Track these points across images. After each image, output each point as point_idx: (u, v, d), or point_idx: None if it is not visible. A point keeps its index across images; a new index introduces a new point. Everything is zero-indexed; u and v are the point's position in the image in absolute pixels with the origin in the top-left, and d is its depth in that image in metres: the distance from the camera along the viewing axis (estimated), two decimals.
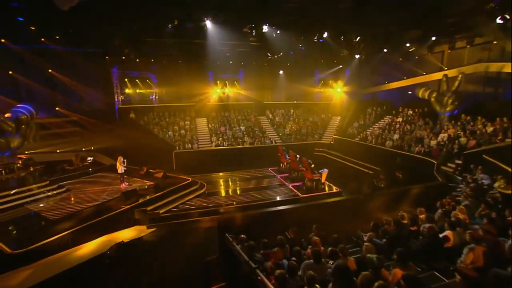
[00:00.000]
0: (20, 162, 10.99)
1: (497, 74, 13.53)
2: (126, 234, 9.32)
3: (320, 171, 12.79)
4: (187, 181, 12.45)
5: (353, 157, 15.68)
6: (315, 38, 13.95)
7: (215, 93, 23.02)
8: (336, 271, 3.77)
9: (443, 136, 12.41)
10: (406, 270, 3.74)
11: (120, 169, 11.74)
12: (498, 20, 10.67)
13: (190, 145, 17.93)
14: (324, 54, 19.46)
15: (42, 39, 15.79)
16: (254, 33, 13.05)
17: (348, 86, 23.24)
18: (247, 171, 15.75)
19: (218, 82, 23.18)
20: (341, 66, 22.52)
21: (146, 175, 13.50)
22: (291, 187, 13.01)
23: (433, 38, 14.06)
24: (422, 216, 6.72)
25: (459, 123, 12.74)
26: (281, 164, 15.54)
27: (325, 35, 13.71)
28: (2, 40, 15.43)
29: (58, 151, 15.58)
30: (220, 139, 18.86)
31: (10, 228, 8.65)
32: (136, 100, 20.96)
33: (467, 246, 4.17)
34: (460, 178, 9.66)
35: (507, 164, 8.79)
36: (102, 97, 19.87)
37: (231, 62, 22.05)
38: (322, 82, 24.67)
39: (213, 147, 18.30)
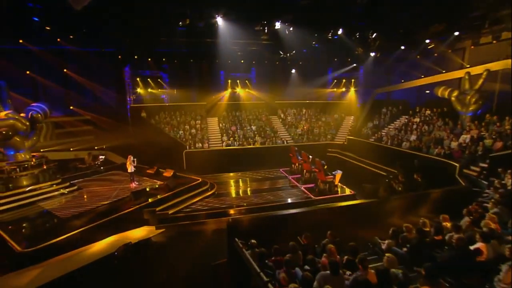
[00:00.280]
0: (34, 160, 11.03)
1: None
2: (134, 235, 9.21)
3: (333, 172, 12.33)
4: (197, 181, 12.28)
5: (367, 159, 15.09)
6: (329, 35, 13.46)
7: (227, 92, 22.80)
8: (356, 286, 3.40)
9: (465, 137, 11.69)
10: None
11: (130, 168, 11.67)
12: None
13: (200, 145, 17.78)
14: (337, 52, 18.90)
15: (58, 39, 16.03)
16: (266, 31, 12.67)
17: (362, 85, 22.59)
18: (258, 172, 15.45)
19: (229, 81, 22.93)
20: (355, 65, 21.88)
21: (156, 175, 13.41)
22: (304, 189, 12.62)
23: (456, 33, 13.21)
24: (447, 224, 6.21)
25: (483, 124, 11.96)
26: (293, 165, 15.15)
27: (339, 31, 13.20)
28: (20, 41, 15.72)
29: (71, 149, 15.75)
30: (231, 138, 18.65)
31: (21, 226, 8.66)
32: (148, 99, 21.00)
33: (506, 262, 3.69)
34: (485, 182, 8.98)
35: None
36: (114, 96, 20.03)
37: (242, 61, 21.79)
38: (335, 81, 24.06)
39: (223, 147, 18.09)
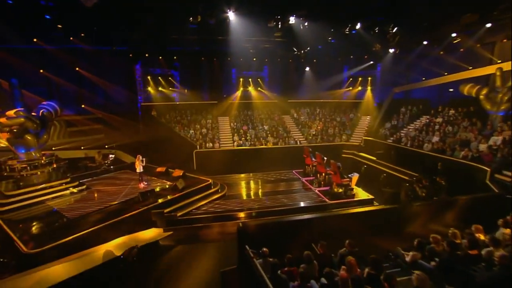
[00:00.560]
0: (44, 159, 11.06)
1: None
2: (142, 237, 9.05)
3: (350, 175, 11.81)
4: (207, 183, 12.01)
5: (385, 161, 14.39)
6: (347, 29, 12.87)
7: (238, 90, 22.57)
8: None
9: (495, 139, 10.85)
10: None
11: (139, 168, 11.54)
12: None
13: (211, 144, 17.58)
14: (354, 49, 18.27)
15: (71, 38, 16.21)
16: (280, 26, 12.23)
17: (379, 84, 21.80)
18: (270, 173, 15.08)
19: (241, 79, 22.73)
20: (371, 62, 21.14)
21: (165, 175, 13.26)
22: (318, 192, 12.17)
23: (488, 25, 12.20)
24: (480, 236, 5.62)
25: None
26: (306, 167, 14.68)
27: (357, 26, 12.59)
28: (34, 40, 15.98)
29: (82, 147, 15.86)
30: (243, 138, 18.40)
31: (29, 225, 8.61)
32: (158, 97, 21.00)
33: None
34: None
35: None
36: (126, 94, 20.16)
37: (254, 59, 21.57)
38: (351, 79, 23.33)
39: (235, 147, 17.83)
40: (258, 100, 22.57)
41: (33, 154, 11.00)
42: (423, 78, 17.83)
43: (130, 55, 18.51)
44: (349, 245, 6.12)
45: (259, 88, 23.24)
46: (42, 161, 10.95)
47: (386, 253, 6.77)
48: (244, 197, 11.94)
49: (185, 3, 12.66)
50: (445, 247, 5.09)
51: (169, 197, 10.49)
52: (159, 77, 20.91)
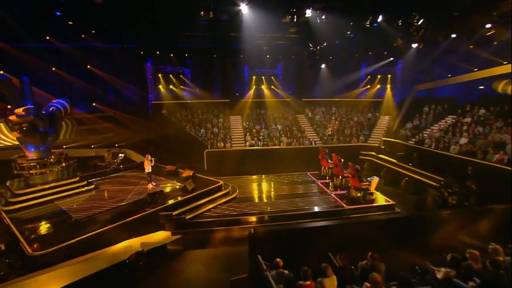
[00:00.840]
0: (53, 157, 11.04)
1: None
2: (149, 240, 8.85)
3: (369, 178, 11.25)
4: (218, 184, 11.71)
5: (407, 163, 13.62)
6: (367, 22, 12.18)
7: (251, 89, 22.23)
8: None
9: None
10: None
11: (148, 168, 11.36)
12: None
13: (222, 144, 17.30)
14: (374, 43, 17.51)
15: (83, 36, 16.33)
16: (295, 20, 11.72)
17: (400, 82, 20.89)
18: (284, 175, 14.68)
19: (254, 77, 22.39)
20: (392, 59, 20.25)
21: (175, 175, 13.06)
22: (334, 196, 11.64)
23: None
24: None
25: None
26: (322, 169, 14.15)
27: (379, 18, 11.89)
28: (47, 38, 16.19)
29: (92, 146, 15.93)
30: (255, 138, 18.04)
31: (36, 225, 8.55)
32: (169, 96, 20.93)
33: None
34: None
35: None
36: (136, 92, 20.22)
37: (268, 56, 21.13)
38: (369, 77, 22.48)
39: (247, 147, 17.50)
40: (271, 98, 22.16)
41: (42, 152, 10.95)
42: (449, 75, 16.83)
43: (141, 52, 18.48)
44: (371, 258, 5.62)
45: (272, 87, 22.82)
46: (51, 160, 10.90)
47: (412, 266, 6.22)
48: (256, 200, 11.57)
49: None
50: (487, 265, 4.49)
51: (178, 199, 10.28)
52: (170, 75, 20.85)
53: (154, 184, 11.77)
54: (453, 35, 13.80)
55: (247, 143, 17.83)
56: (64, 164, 11.41)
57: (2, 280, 6.59)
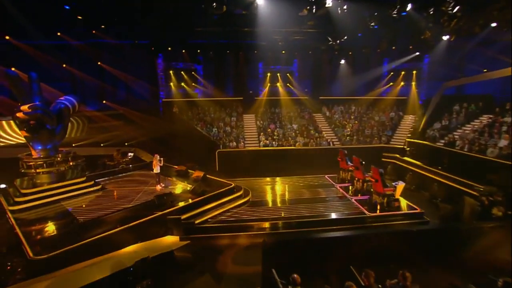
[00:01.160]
0: (60, 156, 10.93)
1: None
2: (156, 245, 8.53)
3: (394, 183, 10.50)
4: (230, 186, 11.29)
5: (436, 167, 12.70)
6: (395, 11, 11.36)
7: (265, 86, 21.80)
8: None
9: None
10: None
11: (156, 168, 11.07)
12: None
13: (235, 144, 16.93)
14: (398, 38, 16.60)
15: (93, 31, 16.36)
16: (314, 10, 11.10)
17: (426, 78, 19.83)
18: (300, 177, 14.13)
19: (268, 74, 21.99)
20: (417, 53, 19.26)
21: (185, 176, 12.75)
22: (355, 201, 10.97)
23: None
24: None
25: None
26: (341, 172, 13.46)
27: (408, 7, 11.03)
28: (58, 34, 16.33)
29: (102, 144, 15.92)
30: (269, 138, 17.60)
31: (39, 227, 8.39)
32: (180, 93, 20.77)
33: None
34: None
35: None
36: (147, 90, 20.24)
37: (283, 52, 20.78)
38: (392, 73, 21.61)
39: (261, 147, 17.07)
40: (286, 96, 21.65)
41: (49, 151, 10.85)
42: (484, 70, 15.65)
43: (152, 48, 18.40)
44: (403, 278, 5.00)
45: (288, 84, 22.35)
46: (58, 159, 10.79)
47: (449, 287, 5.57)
48: (270, 205, 11.07)
49: None
50: None
51: (189, 201, 9.94)
52: (182, 72, 20.70)
53: (163, 185, 11.48)
54: (493, 24, 12.56)
55: (261, 143, 17.43)
56: (71, 163, 11.27)
57: (2, 285, 6.40)
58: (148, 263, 7.28)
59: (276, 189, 12.94)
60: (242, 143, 17.23)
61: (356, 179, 12.22)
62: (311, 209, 10.41)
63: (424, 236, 7.10)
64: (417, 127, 17.46)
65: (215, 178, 12.46)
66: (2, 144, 16.59)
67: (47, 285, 6.47)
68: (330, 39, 16.72)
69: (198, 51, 19.99)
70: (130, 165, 14.21)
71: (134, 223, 8.49)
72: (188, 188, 11.23)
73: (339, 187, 12.63)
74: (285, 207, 10.79)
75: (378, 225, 9.68)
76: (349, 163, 12.98)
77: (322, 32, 16.75)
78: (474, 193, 9.43)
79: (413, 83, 20.32)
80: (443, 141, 14.40)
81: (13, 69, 12.92)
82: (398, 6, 11.10)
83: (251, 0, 11.72)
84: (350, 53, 20.89)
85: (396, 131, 18.44)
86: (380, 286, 5.23)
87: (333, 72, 22.30)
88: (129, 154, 14.91)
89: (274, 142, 17.30)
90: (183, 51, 19.50)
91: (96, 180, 11.59)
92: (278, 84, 22.07)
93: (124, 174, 13.39)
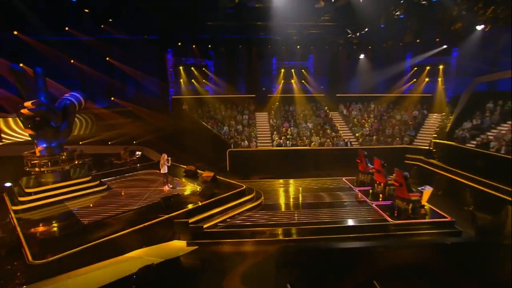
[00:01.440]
0: (65, 154, 10.81)
1: None
2: (162, 250, 8.30)
3: (420, 188, 9.83)
4: (241, 189, 10.93)
5: (468, 171, 11.87)
6: None
7: (279, 83, 21.36)
8: None
9: None
10: None
11: (163, 168, 10.81)
12: None
13: (247, 143, 16.58)
14: (424, 30, 15.74)
15: (102, 26, 16.35)
16: (333, 1, 10.54)
17: (455, 73, 18.82)
18: (315, 180, 13.72)
19: (282, 70, 21.53)
20: (445, 47, 18.29)
21: (193, 176, 12.49)
22: (375, 207, 10.38)
23: None
24: None
25: None
26: (360, 174, 12.83)
27: None
28: (66, 29, 16.39)
29: (109, 143, 15.91)
30: (283, 137, 17.19)
31: (41, 229, 8.26)
32: (190, 90, 20.61)
33: None
34: None
35: None
36: (156, 87, 20.22)
37: (298, 47, 20.31)
38: (416, 68, 20.73)
39: (274, 147, 16.70)
40: (301, 94, 21.17)
41: (53, 149, 10.74)
42: None
43: (162, 44, 18.29)
44: None
45: (303, 81, 21.89)
46: (63, 157, 10.68)
47: None
48: (283, 209, 10.64)
49: None
50: None
51: (198, 204, 9.66)
52: (192, 68, 20.56)
53: (171, 186, 11.22)
54: None
55: (274, 142, 17.06)
56: (76, 162, 11.16)
57: None
58: (152, 271, 6.99)
59: (290, 192, 12.52)
60: (254, 142, 16.89)
61: (377, 182, 11.62)
62: (327, 214, 9.95)
63: (460, 250, 6.46)
64: (444, 127, 16.63)
65: (226, 179, 12.15)
66: (9, 141, 16.87)
67: None
68: (349, 31, 16.07)
69: (209, 46, 19.74)
70: (138, 165, 14.09)
71: (139, 226, 8.23)
72: (197, 190, 10.95)
73: (358, 190, 12.06)
74: (299, 211, 10.36)
75: (402, 234, 9.09)
76: (369, 165, 12.36)
77: (340, 25, 16.18)
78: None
79: (439, 79, 19.36)
80: (474, 142, 13.60)
81: (21, 65, 12.97)
82: None
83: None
84: (370, 47, 20.16)
85: (419, 131, 17.62)
86: None
87: (351, 67, 21.70)
88: (137, 153, 14.83)
89: (287, 142, 16.89)
90: (193, 46, 19.31)
91: (102, 180, 11.44)
92: (292, 81, 21.62)
93: (131, 173, 13.24)
